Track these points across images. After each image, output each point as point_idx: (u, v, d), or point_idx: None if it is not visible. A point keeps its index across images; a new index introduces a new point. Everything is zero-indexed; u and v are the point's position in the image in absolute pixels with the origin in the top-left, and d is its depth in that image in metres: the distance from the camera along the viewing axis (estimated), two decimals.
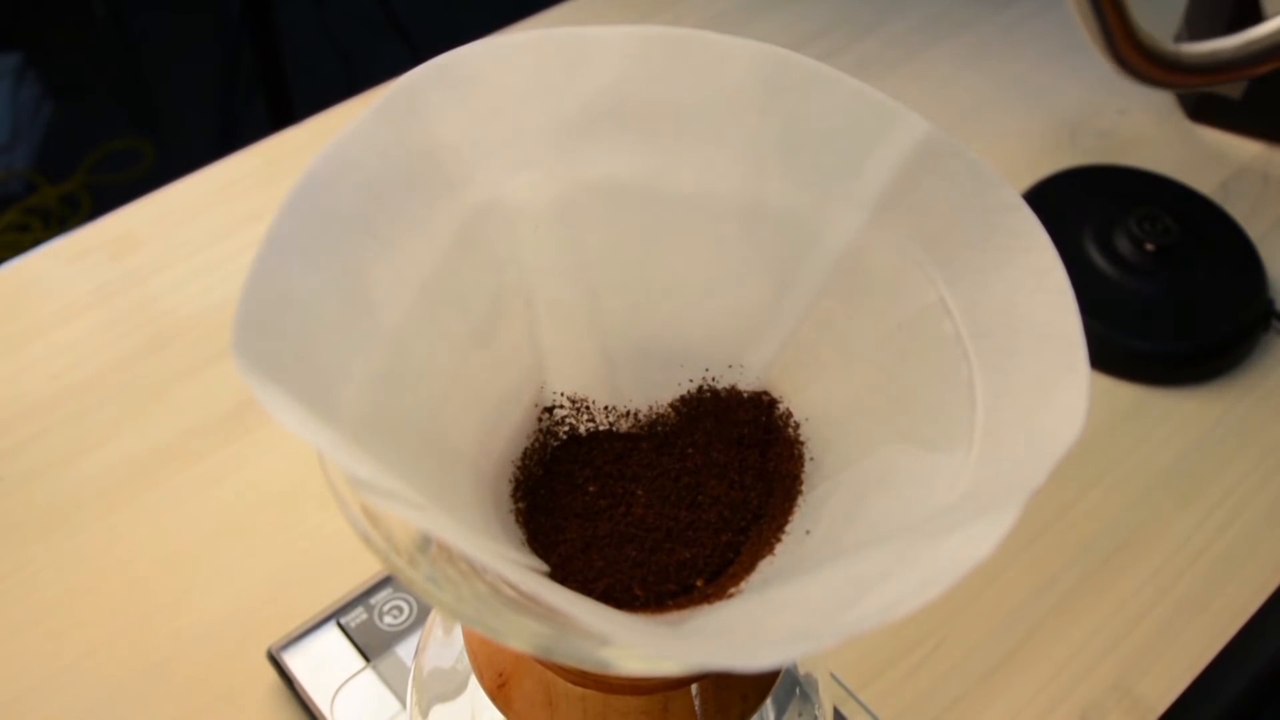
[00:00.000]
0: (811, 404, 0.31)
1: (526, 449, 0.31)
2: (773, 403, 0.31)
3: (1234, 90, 0.70)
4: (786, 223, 0.30)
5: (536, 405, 0.31)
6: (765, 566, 0.28)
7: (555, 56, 0.29)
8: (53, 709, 0.45)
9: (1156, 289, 0.60)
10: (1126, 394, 0.58)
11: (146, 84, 1.71)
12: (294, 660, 0.46)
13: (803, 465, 0.30)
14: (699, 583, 0.29)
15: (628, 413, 0.32)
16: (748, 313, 0.31)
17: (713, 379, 0.32)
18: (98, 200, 1.53)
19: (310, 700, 0.45)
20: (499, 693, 0.30)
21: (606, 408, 0.32)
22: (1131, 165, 0.67)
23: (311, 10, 1.76)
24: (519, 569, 0.24)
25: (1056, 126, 0.72)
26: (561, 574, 0.29)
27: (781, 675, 0.32)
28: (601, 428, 0.32)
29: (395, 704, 0.45)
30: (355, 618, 0.47)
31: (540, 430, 0.31)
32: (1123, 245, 0.61)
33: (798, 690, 0.35)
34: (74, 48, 1.73)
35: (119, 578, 0.49)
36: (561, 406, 0.32)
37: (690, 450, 0.32)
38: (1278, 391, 0.59)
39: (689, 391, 0.32)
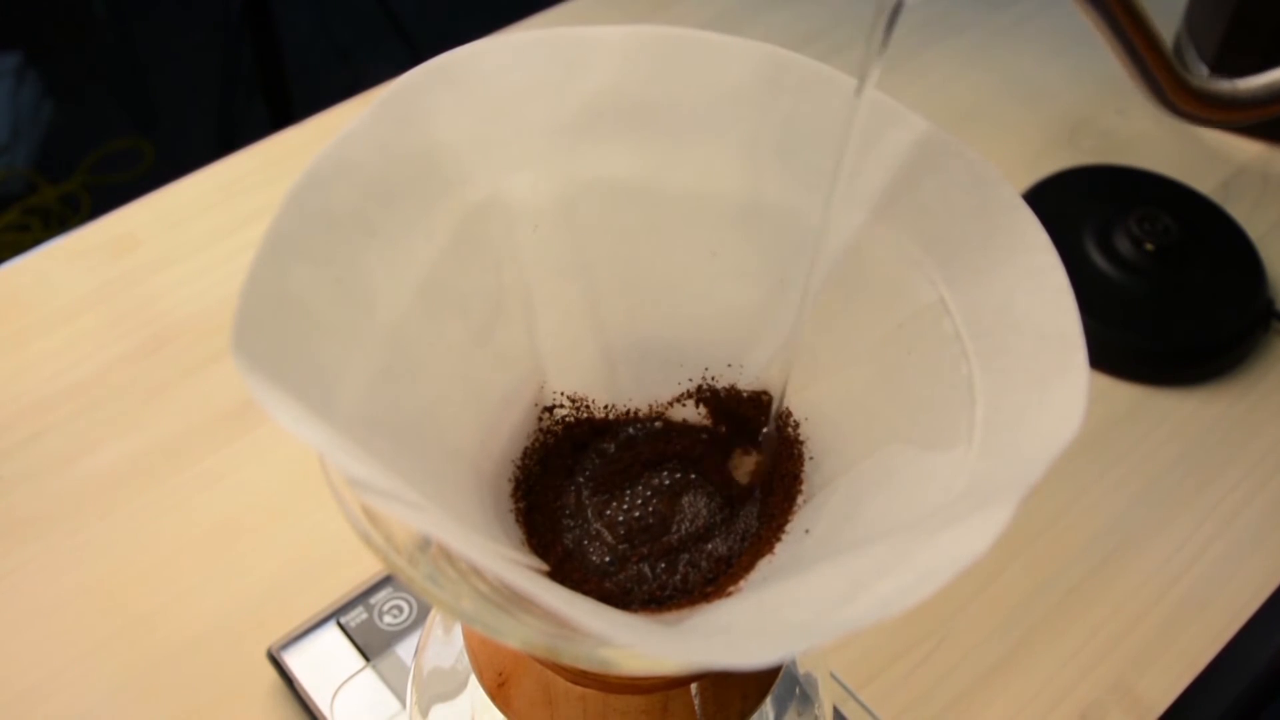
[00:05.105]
0: (811, 403, 0.31)
1: (526, 448, 0.31)
2: (772, 402, 0.31)
3: None
4: (786, 222, 0.30)
5: (536, 405, 0.31)
6: (765, 565, 0.28)
7: (555, 56, 0.29)
8: (53, 708, 0.45)
9: (1156, 289, 0.60)
10: (1126, 394, 0.58)
11: (146, 84, 1.71)
12: (294, 660, 0.46)
13: (802, 464, 0.30)
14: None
15: (628, 412, 0.32)
16: (747, 312, 0.31)
17: (712, 378, 0.32)
18: (98, 200, 1.52)
19: (310, 700, 0.45)
20: (499, 692, 0.30)
21: (606, 407, 0.32)
22: (1131, 165, 0.67)
23: (311, 10, 1.76)
24: (518, 569, 0.24)
25: (1056, 126, 0.72)
26: (561, 574, 0.29)
27: (781, 674, 0.32)
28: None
29: (395, 703, 0.45)
30: (355, 617, 0.47)
31: (540, 430, 0.31)
32: (1123, 245, 0.61)
33: (798, 689, 0.35)
34: (74, 48, 1.72)
35: (119, 578, 0.49)
36: (561, 406, 0.32)
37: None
38: (1278, 391, 0.59)
39: (689, 391, 0.32)
